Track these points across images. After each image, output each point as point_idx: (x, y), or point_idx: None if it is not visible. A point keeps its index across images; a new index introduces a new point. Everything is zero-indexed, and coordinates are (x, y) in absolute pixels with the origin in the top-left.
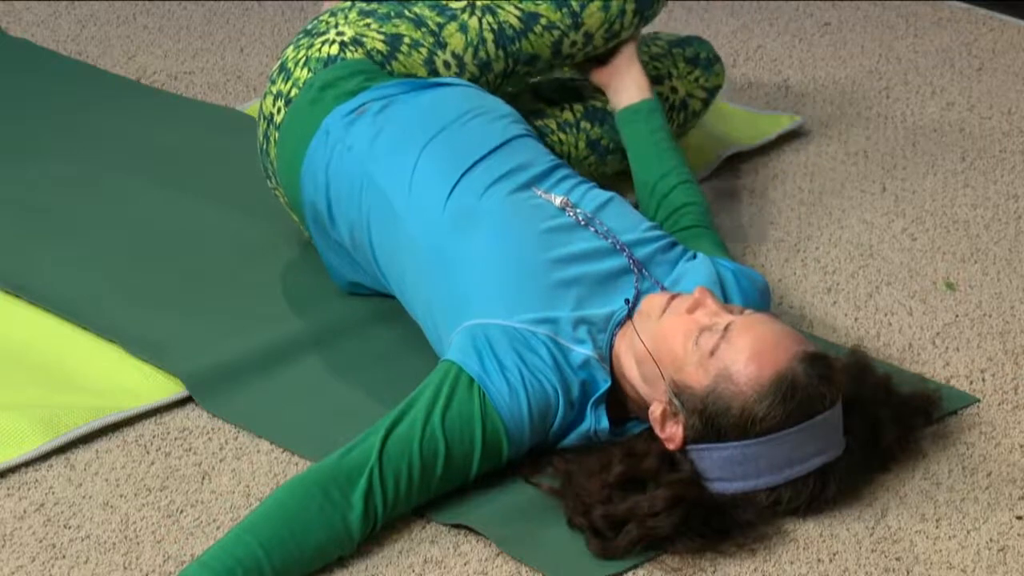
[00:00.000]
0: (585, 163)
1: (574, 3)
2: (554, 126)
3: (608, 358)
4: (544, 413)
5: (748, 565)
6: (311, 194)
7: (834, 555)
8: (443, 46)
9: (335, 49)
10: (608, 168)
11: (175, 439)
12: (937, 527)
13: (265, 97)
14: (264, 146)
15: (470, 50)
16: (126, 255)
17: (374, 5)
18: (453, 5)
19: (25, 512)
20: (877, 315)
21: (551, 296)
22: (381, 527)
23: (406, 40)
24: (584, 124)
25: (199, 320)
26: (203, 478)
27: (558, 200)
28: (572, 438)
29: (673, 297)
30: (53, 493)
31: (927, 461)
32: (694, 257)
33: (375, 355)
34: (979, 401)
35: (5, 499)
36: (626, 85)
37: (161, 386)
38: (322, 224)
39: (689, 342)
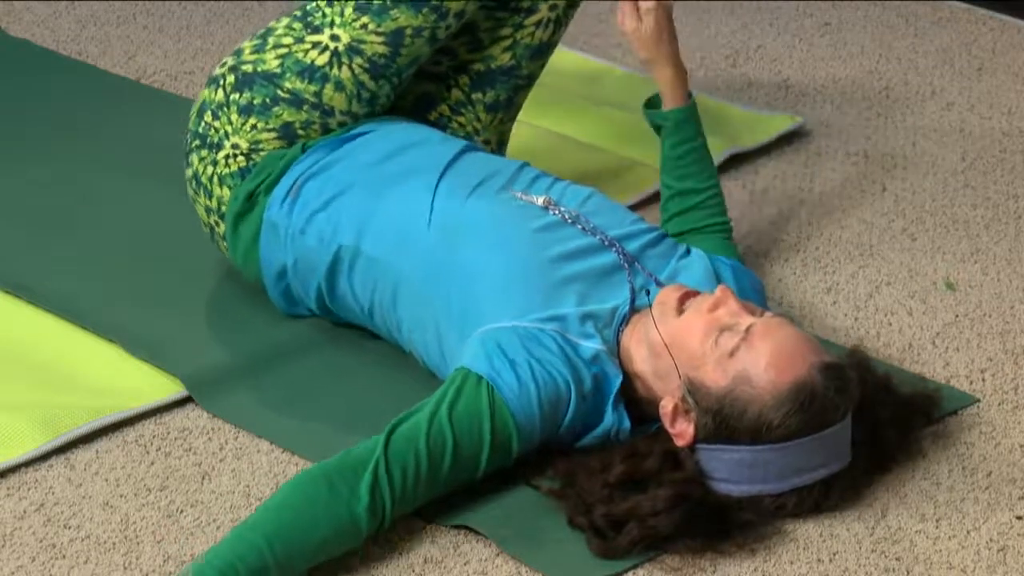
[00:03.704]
0: (494, 124)
1: None
2: (448, 112)
3: (616, 353)
4: (555, 405)
5: (748, 565)
6: (277, 282)
7: (834, 555)
8: (330, 112)
9: (242, 162)
10: (517, 107)
11: (175, 439)
12: (937, 527)
13: (195, 204)
14: (214, 245)
15: (354, 100)
16: (126, 255)
17: (247, 95)
18: (318, 62)
19: (25, 512)
20: (877, 315)
21: (554, 294)
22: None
23: (296, 126)
24: (476, 96)
25: (199, 320)
26: (203, 478)
27: (540, 200)
28: (591, 439)
29: (689, 292)
30: (53, 493)
31: (927, 461)
32: (687, 253)
33: (377, 356)
34: (979, 401)
35: (5, 499)
36: (660, 66)
37: (161, 386)
38: (292, 298)
39: (708, 340)
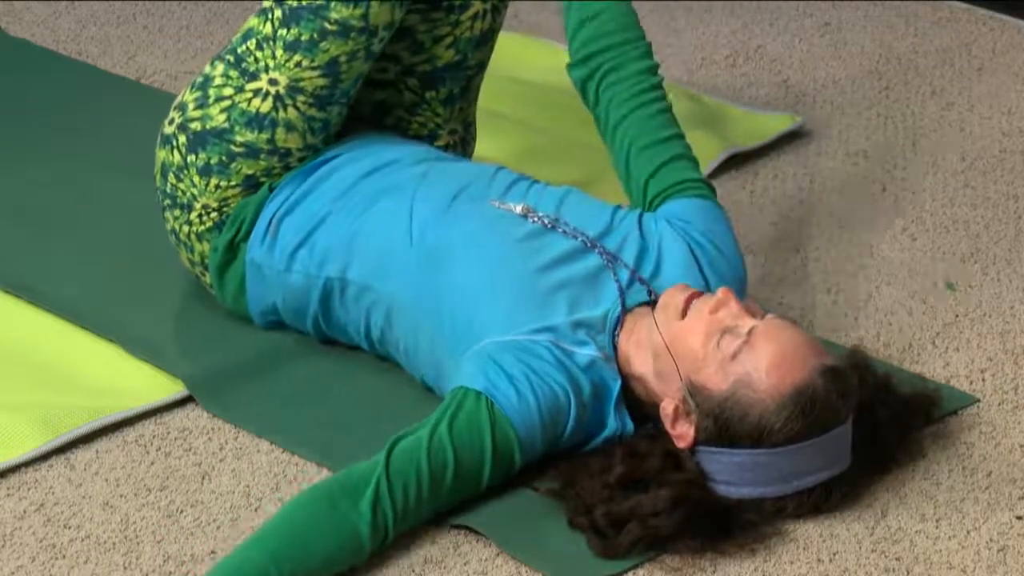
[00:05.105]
0: (454, 115)
1: (355, 22)
2: (406, 114)
3: (614, 357)
4: (555, 415)
5: (748, 565)
6: (266, 318)
7: (834, 555)
8: (288, 154)
9: (216, 217)
10: (475, 91)
11: (175, 439)
12: (937, 527)
13: (178, 255)
14: (204, 286)
15: (308, 135)
16: (126, 255)
17: (203, 156)
18: (263, 109)
19: (25, 512)
20: (877, 315)
21: (544, 304)
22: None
23: (258, 175)
24: (429, 95)
25: (199, 320)
26: (203, 478)
27: (518, 208)
28: (595, 444)
29: (694, 293)
30: (53, 493)
31: (927, 461)
32: (662, 228)
33: (378, 357)
34: (979, 401)
35: (5, 499)
36: None
37: (161, 386)
38: (280, 324)
39: (711, 343)
